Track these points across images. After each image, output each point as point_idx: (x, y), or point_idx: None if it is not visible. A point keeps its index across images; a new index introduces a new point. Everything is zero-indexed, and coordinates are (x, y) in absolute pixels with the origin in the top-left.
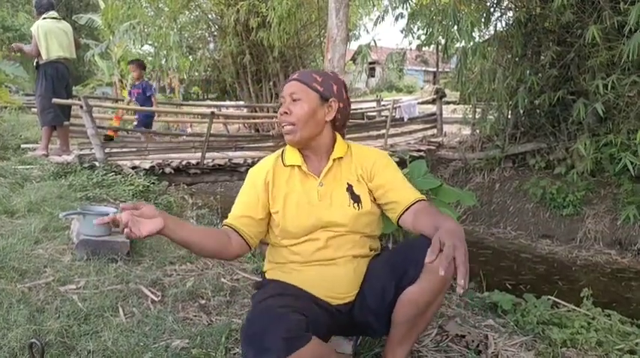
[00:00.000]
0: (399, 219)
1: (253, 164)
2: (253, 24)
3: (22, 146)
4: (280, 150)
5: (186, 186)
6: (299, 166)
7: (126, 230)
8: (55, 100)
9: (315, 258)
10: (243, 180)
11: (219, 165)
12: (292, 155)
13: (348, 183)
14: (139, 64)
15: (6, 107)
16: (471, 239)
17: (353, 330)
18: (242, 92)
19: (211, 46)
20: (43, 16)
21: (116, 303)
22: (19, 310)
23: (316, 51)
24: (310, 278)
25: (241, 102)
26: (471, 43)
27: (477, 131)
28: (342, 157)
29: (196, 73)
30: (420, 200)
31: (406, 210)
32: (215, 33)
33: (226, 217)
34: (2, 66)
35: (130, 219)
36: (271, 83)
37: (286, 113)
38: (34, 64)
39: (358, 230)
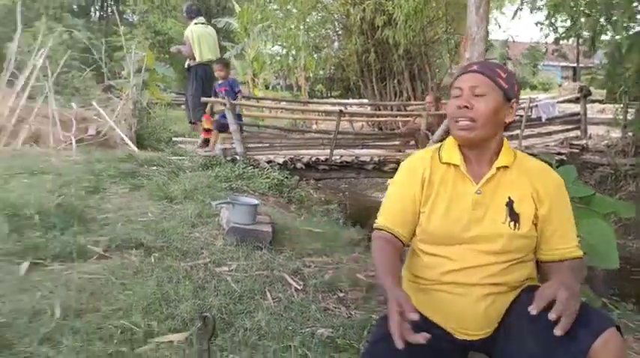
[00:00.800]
0: (542, 261)
1: (379, 162)
2: (379, 22)
3: (173, 139)
4: (437, 145)
5: (313, 181)
6: (456, 166)
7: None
8: (203, 99)
9: (445, 280)
10: (370, 177)
11: (347, 162)
12: (451, 152)
13: (509, 198)
14: (225, 63)
15: (157, 103)
16: (623, 254)
17: None
18: (366, 90)
19: (336, 44)
20: (194, 21)
21: (264, 288)
22: (185, 285)
23: (442, 48)
24: (436, 303)
25: (365, 101)
26: (625, 35)
27: (630, 133)
28: (507, 166)
29: (321, 72)
30: (574, 258)
31: (554, 261)
32: (339, 32)
33: (352, 214)
34: (155, 66)
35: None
36: (395, 81)
37: (467, 107)
38: (186, 66)
39: (509, 251)
